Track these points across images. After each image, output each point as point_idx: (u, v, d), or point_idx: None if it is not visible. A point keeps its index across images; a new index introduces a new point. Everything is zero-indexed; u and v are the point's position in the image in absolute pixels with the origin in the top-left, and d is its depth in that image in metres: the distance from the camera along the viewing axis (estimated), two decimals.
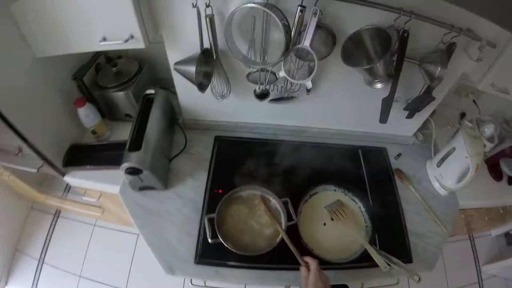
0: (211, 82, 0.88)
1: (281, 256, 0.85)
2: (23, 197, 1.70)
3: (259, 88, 0.91)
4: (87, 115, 1.05)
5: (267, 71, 0.84)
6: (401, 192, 1.12)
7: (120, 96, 1.10)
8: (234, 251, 0.81)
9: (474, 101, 1.35)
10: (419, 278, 0.88)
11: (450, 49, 0.78)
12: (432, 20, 0.70)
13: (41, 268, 1.68)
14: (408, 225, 1.04)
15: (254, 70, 0.86)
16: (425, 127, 1.23)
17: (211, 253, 0.89)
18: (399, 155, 1.22)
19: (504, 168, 1.25)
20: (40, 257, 1.71)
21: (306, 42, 0.71)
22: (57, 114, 1.04)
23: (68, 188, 1.46)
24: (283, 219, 0.90)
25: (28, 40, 0.83)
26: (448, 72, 0.80)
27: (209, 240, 0.85)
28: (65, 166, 1.06)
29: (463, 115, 1.42)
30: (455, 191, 1.14)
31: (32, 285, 1.63)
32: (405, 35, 0.72)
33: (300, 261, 0.78)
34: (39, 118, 0.95)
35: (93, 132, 1.11)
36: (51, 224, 1.82)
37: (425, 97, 0.90)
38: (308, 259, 0.77)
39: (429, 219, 1.07)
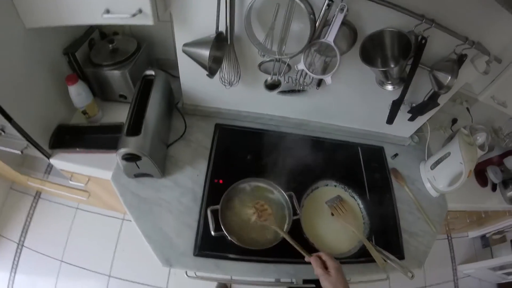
0: (221, 68, 0.84)
1: (282, 250, 0.84)
2: (1, 177, 1.59)
3: (271, 78, 0.87)
4: (79, 93, 0.97)
5: (283, 62, 0.81)
6: (397, 191, 1.14)
7: (115, 75, 1.03)
8: (239, 244, 0.79)
9: (467, 108, 1.40)
10: (412, 275, 0.91)
11: (461, 60, 0.79)
12: (449, 31, 0.71)
13: (20, 252, 1.61)
14: (401, 223, 1.07)
15: (267, 59, 0.82)
16: (419, 130, 1.25)
17: (211, 246, 0.87)
18: (396, 155, 1.24)
19: (491, 175, 1.32)
20: (20, 241, 1.63)
21: (330, 37, 0.69)
22: (45, 92, 0.95)
23: (49, 169, 1.38)
24: (287, 213, 0.90)
25: (18, 8, 0.73)
26: None
27: (212, 233, 0.83)
28: (51, 148, 0.99)
29: (454, 120, 1.48)
30: (445, 194, 1.19)
31: (11, 269, 1.56)
32: (423, 41, 0.73)
33: (306, 254, 0.75)
34: (25, 95, 0.87)
35: (84, 113, 1.03)
36: (31, 206, 1.73)
37: (430, 103, 0.91)
38: (318, 253, 0.73)
39: (421, 219, 1.11)
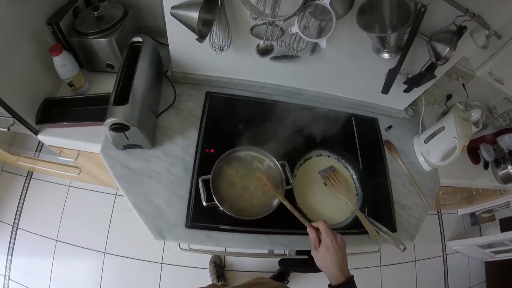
0: (211, 32, 0.80)
1: (274, 220, 0.84)
2: None
3: (263, 43, 0.84)
4: (64, 64, 0.93)
5: (276, 25, 0.77)
6: (390, 163, 1.14)
7: (101, 44, 0.98)
8: (231, 215, 0.78)
9: (463, 85, 1.38)
10: (404, 247, 0.91)
11: (460, 32, 0.78)
12: (450, 0, 0.70)
13: (15, 234, 1.60)
14: (394, 195, 1.07)
15: (260, 22, 0.79)
16: (413, 103, 1.24)
17: (203, 217, 0.86)
18: (390, 127, 1.23)
19: (484, 153, 1.33)
20: (14, 223, 1.62)
21: None
22: (29, 64, 0.91)
23: (40, 147, 1.35)
24: (279, 183, 0.89)
25: None
26: None
27: (204, 203, 0.81)
28: (38, 123, 0.95)
29: (449, 96, 1.46)
30: (438, 168, 1.19)
31: (8, 252, 1.56)
32: (422, 9, 0.71)
33: (306, 224, 0.73)
34: (8, 68, 0.83)
35: (70, 85, 0.99)
36: (24, 186, 1.71)
37: (427, 74, 0.90)
38: (315, 223, 0.71)
39: (413, 192, 1.11)
